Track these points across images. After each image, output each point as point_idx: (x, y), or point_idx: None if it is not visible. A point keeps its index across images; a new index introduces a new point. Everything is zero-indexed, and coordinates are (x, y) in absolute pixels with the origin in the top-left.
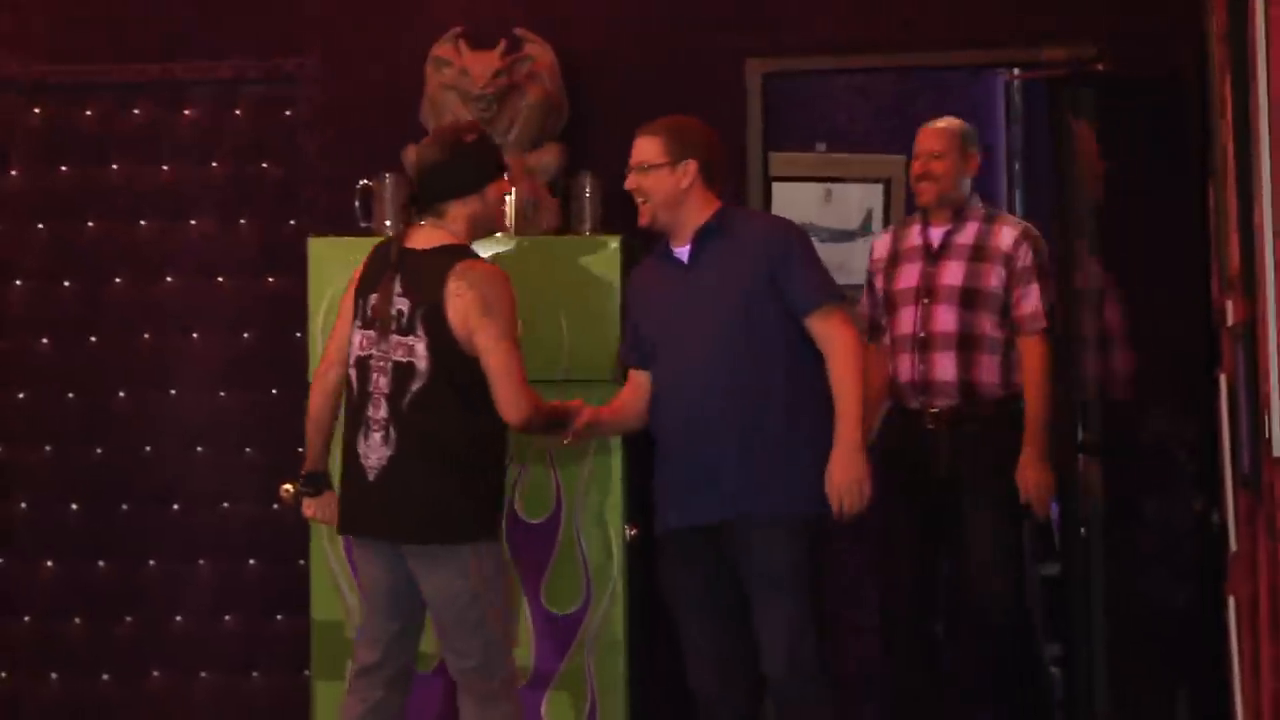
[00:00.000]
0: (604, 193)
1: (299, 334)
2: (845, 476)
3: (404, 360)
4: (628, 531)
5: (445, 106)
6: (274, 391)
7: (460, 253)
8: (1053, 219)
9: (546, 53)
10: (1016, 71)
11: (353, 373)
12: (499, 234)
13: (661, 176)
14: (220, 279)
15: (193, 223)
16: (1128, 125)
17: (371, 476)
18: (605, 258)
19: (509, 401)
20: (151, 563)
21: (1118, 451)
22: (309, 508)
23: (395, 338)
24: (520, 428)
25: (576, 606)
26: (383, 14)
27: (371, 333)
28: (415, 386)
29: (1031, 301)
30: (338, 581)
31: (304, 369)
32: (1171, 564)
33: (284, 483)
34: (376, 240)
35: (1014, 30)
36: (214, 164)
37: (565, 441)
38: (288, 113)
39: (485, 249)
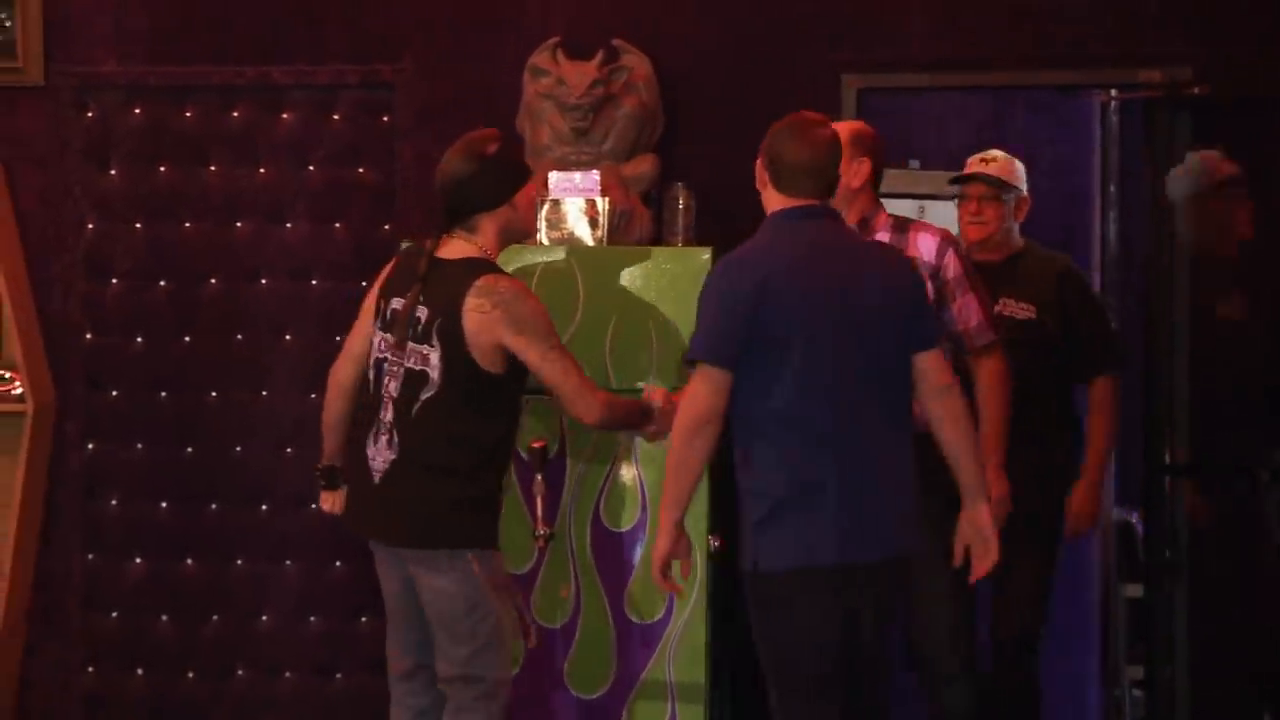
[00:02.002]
0: (697, 204)
1: None
2: (654, 553)
3: (417, 368)
4: (711, 542)
5: (541, 115)
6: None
7: (481, 267)
8: (1148, 243)
9: (644, 64)
10: (1114, 92)
11: (370, 373)
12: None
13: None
14: (314, 281)
15: (288, 225)
16: (1225, 149)
17: (376, 479)
18: (696, 269)
19: (578, 408)
20: (239, 562)
21: (1204, 473)
22: (326, 500)
23: (411, 345)
24: (599, 427)
25: (659, 616)
26: (480, 22)
27: (390, 336)
28: (425, 395)
29: (974, 313)
30: None
31: None
32: (1258, 588)
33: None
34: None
35: (1110, 51)
36: (310, 167)
37: (649, 436)
38: (385, 118)
39: (565, 257)
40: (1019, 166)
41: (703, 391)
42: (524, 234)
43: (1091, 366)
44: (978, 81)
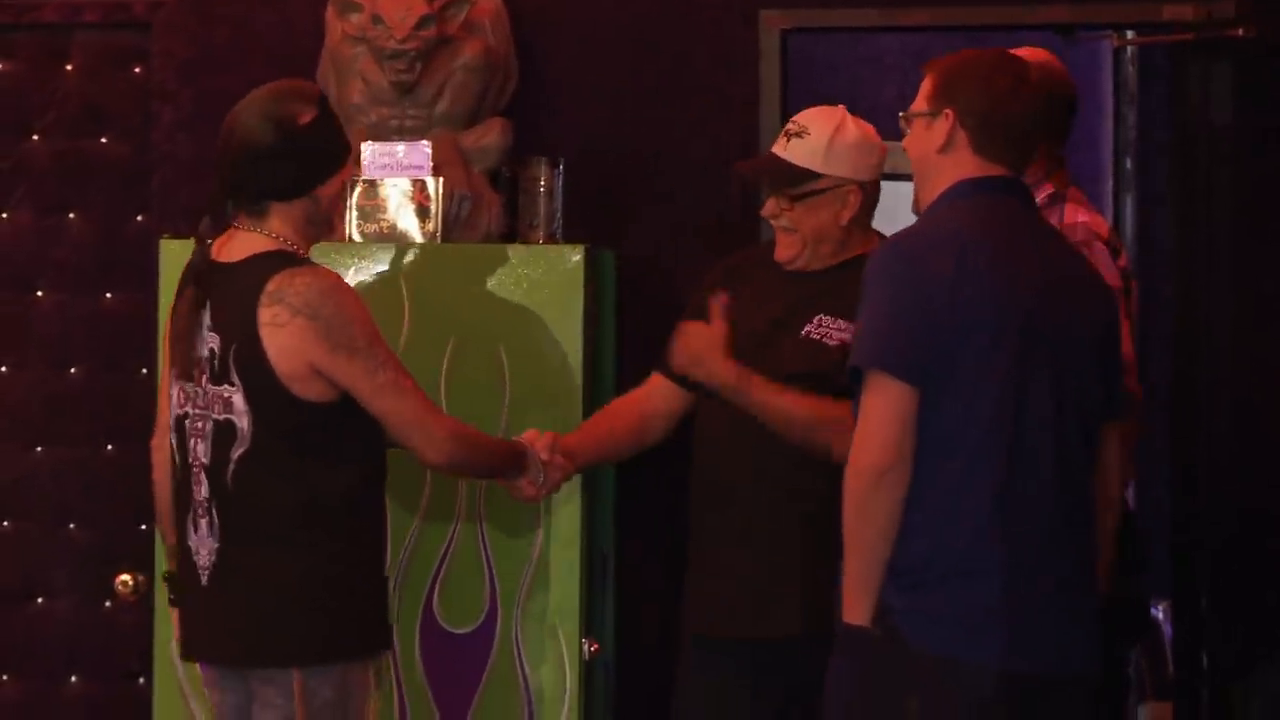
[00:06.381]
0: (565, 187)
1: (145, 369)
2: None
3: (222, 418)
4: (587, 647)
5: (351, 66)
6: (109, 447)
7: (275, 262)
8: (1176, 231)
9: None
10: (1130, 35)
11: (173, 439)
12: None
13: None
14: (39, 293)
15: (3, 216)
16: (1276, 105)
17: (204, 579)
18: (564, 274)
19: (417, 440)
20: None
21: (1258, 553)
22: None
23: (211, 388)
24: (449, 470)
25: None
26: None
27: (187, 384)
28: (238, 453)
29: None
30: (190, 706)
31: (150, 416)
32: None
33: (120, 572)
34: None
35: None
36: (34, 137)
37: (523, 495)
38: (137, 70)
39: (384, 258)
40: (852, 135)
41: (877, 418)
42: (329, 230)
43: None
44: (945, 20)
